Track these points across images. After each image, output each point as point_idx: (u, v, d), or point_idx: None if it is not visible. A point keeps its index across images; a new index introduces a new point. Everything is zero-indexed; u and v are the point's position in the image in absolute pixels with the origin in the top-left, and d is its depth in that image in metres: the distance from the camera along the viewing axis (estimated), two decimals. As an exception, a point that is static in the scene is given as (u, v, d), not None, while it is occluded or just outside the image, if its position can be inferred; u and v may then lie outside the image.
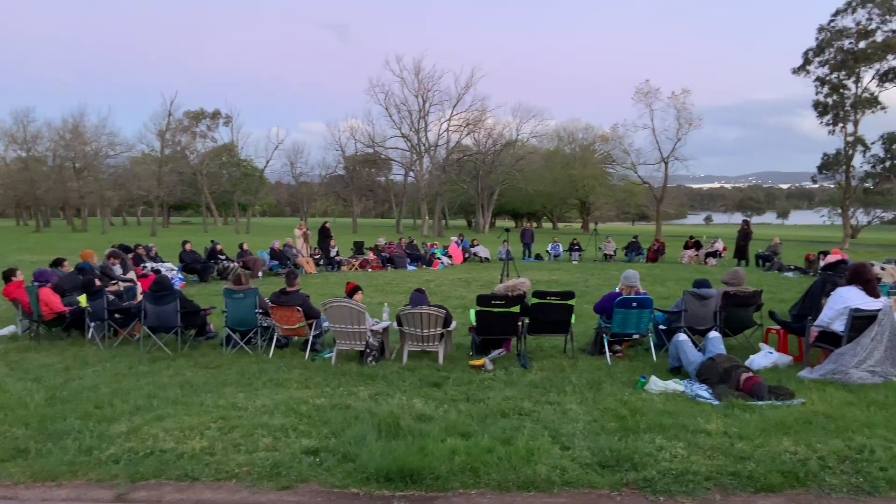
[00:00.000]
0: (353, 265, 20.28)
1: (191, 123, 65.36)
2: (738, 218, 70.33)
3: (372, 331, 7.51)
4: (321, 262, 20.30)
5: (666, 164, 49.64)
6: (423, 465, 4.16)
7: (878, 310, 6.54)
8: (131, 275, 12.50)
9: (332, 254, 20.63)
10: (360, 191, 72.27)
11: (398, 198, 70.86)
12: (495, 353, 7.55)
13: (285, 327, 7.90)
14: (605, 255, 25.92)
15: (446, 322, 7.46)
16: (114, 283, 10.90)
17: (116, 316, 8.90)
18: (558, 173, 65.10)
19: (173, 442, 4.81)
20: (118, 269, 12.07)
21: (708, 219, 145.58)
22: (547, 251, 26.91)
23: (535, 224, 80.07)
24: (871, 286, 6.77)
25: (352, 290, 8.05)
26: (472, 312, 7.89)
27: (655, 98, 48.04)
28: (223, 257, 17.81)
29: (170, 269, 15.75)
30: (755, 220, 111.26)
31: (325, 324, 7.87)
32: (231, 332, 8.17)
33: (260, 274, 17.39)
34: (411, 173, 62.91)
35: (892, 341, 6.51)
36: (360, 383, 6.48)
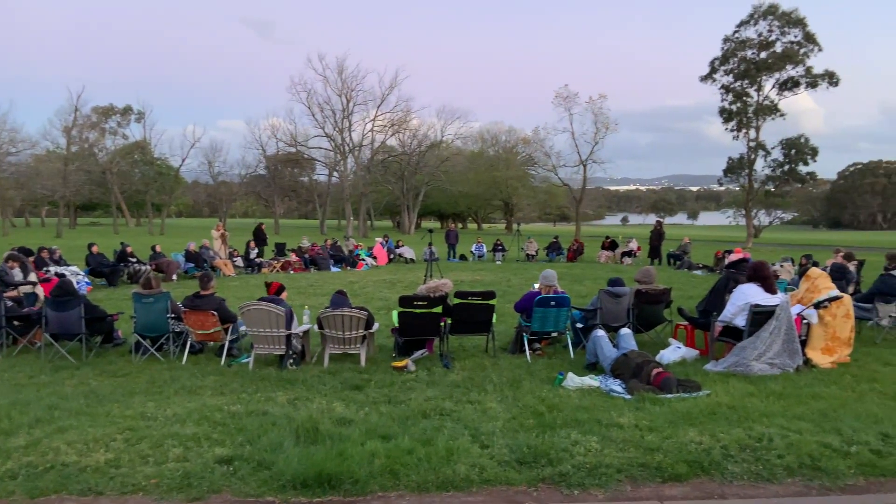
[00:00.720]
0: (275, 267, 19.82)
1: (99, 119, 61.83)
2: (652, 219, 73.55)
3: (293, 334, 7.36)
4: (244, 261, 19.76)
5: (584, 166, 51.18)
6: (341, 470, 4.10)
7: (776, 305, 6.98)
8: (32, 278, 11.75)
9: (252, 255, 20.09)
10: (282, 191, 70.67)
11: (322, 198, 69.73)
12: (417, 353, 7.56)
13: (199, 332, 7.61)
14: (528, 255, 26.46)
15: (368, 324, 7.40)
16: (13, 289, 10.21)
17: (15, 323, 8.35)
18: (482, 175, 65.90)
19: (76, 455, 4.54)
20: (17, 274, 11.30)
21: (624, 219, 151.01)
22: (471, 252, 27.21)
23: (460, 225, 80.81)
24: (769, 283, 7.21)
25: (278, 290, 7.87)
26: (395, 314, 7.87)
27: (574, 102, 49.43)
28: (134, 260, 17.02)
29: (75, 273, 14.89)
30: (668, 220, 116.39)
31: (243, 328, 7.64)
32: (141, 339, 7.81)
33: (174, 277, 16.71)
34: (335, 173, 62.08)
35: (788, 335, 6.96)
36: (279, 388, 6.33)
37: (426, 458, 4.32)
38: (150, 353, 7.75)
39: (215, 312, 7.49)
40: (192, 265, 17.70)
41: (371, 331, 7.63)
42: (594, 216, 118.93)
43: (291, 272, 19.62)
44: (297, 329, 7.50)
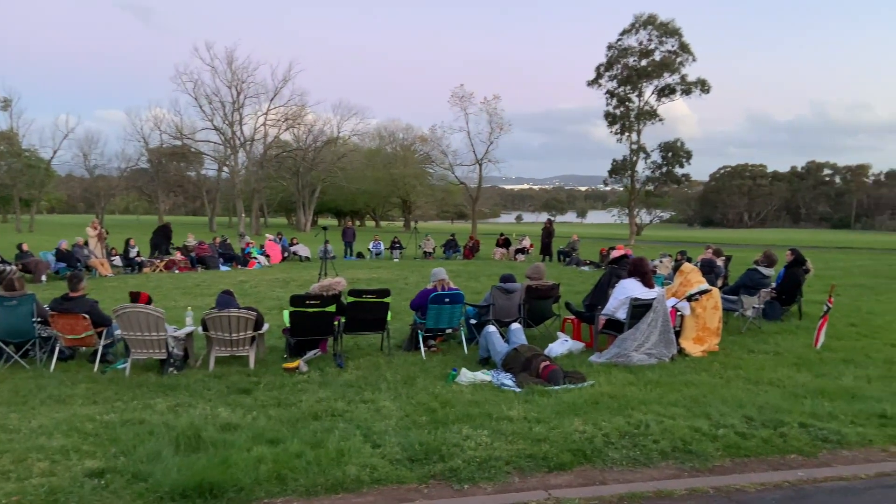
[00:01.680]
0: (157, 266, 18.74)
1: (-43, 106, 55.89)
2: (545, 217, 76.13)
3: (174, 337, 6.98)
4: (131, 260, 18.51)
5: (480, 165, 52.16)
6: (224, 478, 3.93)
7: (653, 299, 7.41)
8: None
9: (133, 254, 18.88)
10: (167, 186, 66.95)
11: (211, 194, 66.72)
12: (310, 354, 7.39)
13: (69, 337, 7.04)
14: (425, 252, 26.61)
15: (257, 324, 7.14)
16: None
17: None
18: (380, 172, 65.62)
19: (-77, 475, 4.08)
20: None
21: (519, 218, 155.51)
22: (368, 249, 27.00)
23: (358, 223, 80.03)
24: (647, 278, 7.64)
25: (146, 302, 7.35)
26: (286, 313, 7.66)
27: (469, 102, 50.19)
28: (-4, 260, 15.52)
29: (-76, 275, 13.38)
30: (558, 219, 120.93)
31: (118, 331, 7.15)
32: (3, 345, 7.12)
33: (44, 278, 15.43)
34: (225, 168, 59.56)
35: (664, 326, 7.41)
36: (159, 395, 5.98)
37: (315, 461, 4.22)
38: (14, 361, 7.09)
39: (87, 315, 6.96)
40: (63, 265, 16.38)
41: (261, 332, 7.38)
42: (490, 214, 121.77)
43: (177, 271, 18.63)
44: (178, 332, 7.12)
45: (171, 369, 6.80)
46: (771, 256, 10.25)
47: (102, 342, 7.13)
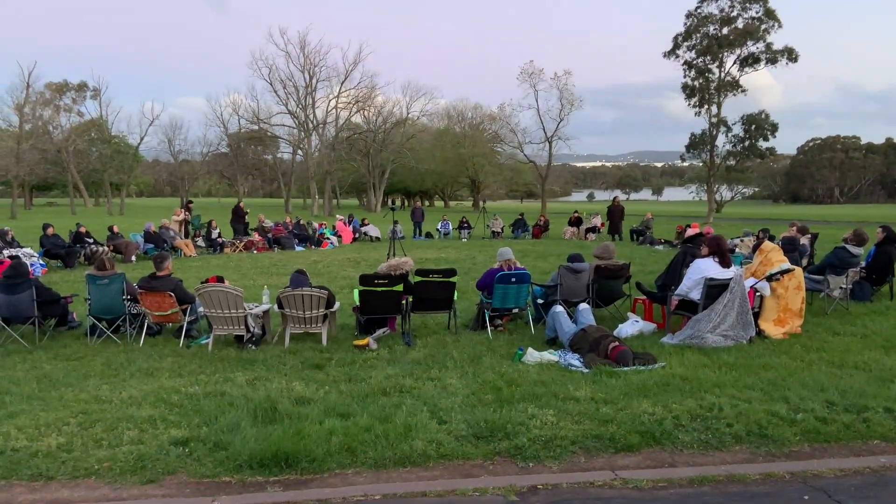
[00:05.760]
0: (237, 247, 19.54)
1: (53, 96, 59.66)
2: (619, 195, 74.36)
3: (252, 314, 7.28)
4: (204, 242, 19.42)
5: (550, 143, 51.37)
6: (298, 449, 4.10)
7: (730, 279, 7.13)
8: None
9: (214, 235, 19.76)
10: (245, 169, 69.42)
11: (286, 177, 68.78)
12: (380, 332, 7.55)
13: (156, 314, 7.48)
14: (493, 232, 26.55)
15: (329, 303, 7.36)
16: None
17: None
18: (448, 152, 65.70)
19: (26, 440, 4.46)
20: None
21: (591, 196, 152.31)
22: (437, 229, 27.19)
23: (427, 203, 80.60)
24: (724, 257, 7.35)
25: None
26: (356, 292, 7.84)
27: (539, 79, 49.34)
28: (90, 241, 16.58)
29: (30, 255, 14.45)
30: (633, 196, 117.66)
31: (201, 309, 7.53)
32: (96, 321, 7.64)
33: (133, 258, 16.36)
34: (299, 151, 61.18)
35: (742, 307, 7.12)
36: (238, 369, 6.28)
37: (384, 435, 4.34)
38: (107, 336, 7.60)
39: (172, 293, 7.36)
40: (151, 246, 17.33)
41: (332, 310, 7.59)
42: (561, 193, 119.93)
43: (254, 252, 19.37)
44: (256, 309, 7.43)
45: (249, 345, 7.11)
46: (861, 235, 9.65)
47: (187, 319, 7.53)
